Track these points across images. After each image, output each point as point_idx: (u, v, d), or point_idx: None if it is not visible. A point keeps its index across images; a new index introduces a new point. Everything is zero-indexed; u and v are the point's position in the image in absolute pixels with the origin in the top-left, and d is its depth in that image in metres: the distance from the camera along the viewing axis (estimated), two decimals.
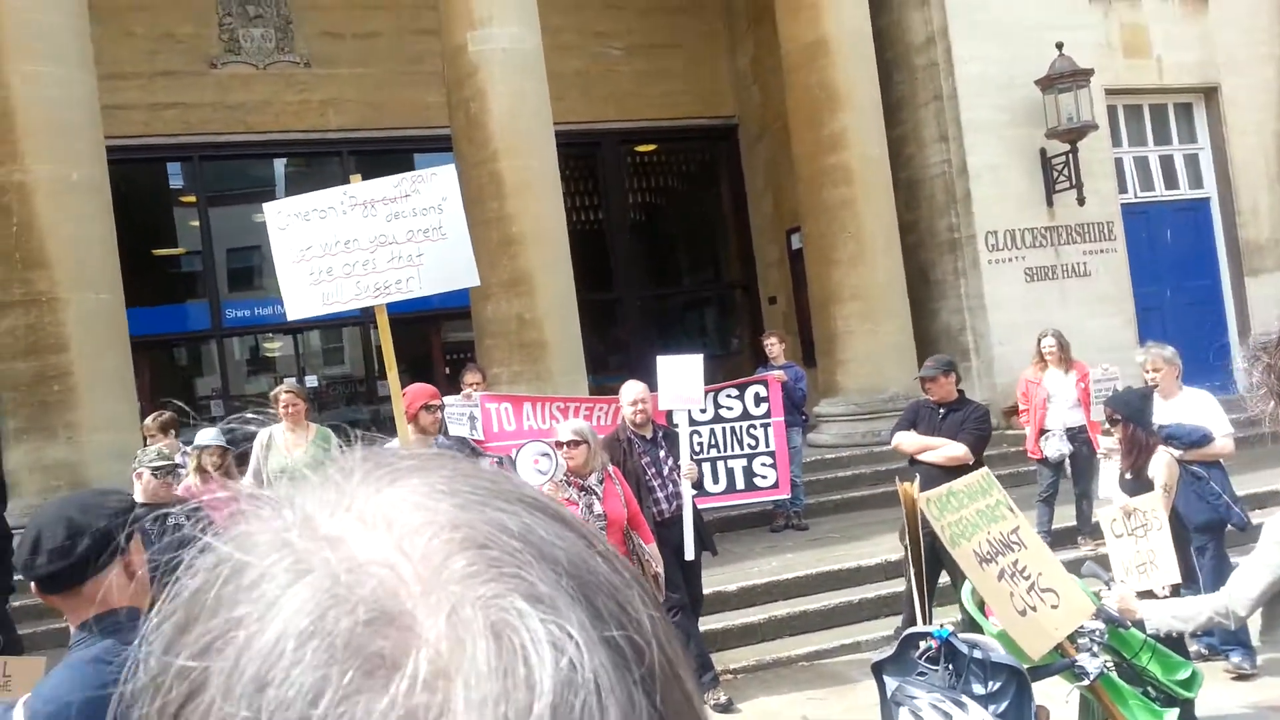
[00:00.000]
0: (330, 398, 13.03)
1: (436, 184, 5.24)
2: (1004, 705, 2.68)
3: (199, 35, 11.55)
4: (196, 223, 12.12)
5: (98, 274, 7.96)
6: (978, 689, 2.68)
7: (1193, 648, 5.29)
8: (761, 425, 7.79)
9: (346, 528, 0.39)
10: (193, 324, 12.22)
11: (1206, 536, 5.49)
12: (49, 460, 7.59)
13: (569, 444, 4.78)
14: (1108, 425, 5.29)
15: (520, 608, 0.36)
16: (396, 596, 0.36)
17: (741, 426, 7.77)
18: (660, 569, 4.90)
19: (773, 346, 8.66)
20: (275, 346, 13.02)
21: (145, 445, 6.47)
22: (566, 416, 7.05)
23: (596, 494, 4.73)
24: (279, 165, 12.81)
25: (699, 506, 5.83)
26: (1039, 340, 7.65)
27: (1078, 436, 7.32)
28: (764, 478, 7.81)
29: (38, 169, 7.70)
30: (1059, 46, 10.45)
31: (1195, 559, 5.42)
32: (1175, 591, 4.63)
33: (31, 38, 7.73)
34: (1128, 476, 5.03)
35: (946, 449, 5.74)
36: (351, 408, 12.92)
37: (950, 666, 2.70)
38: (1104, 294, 10.99)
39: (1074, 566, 4.62)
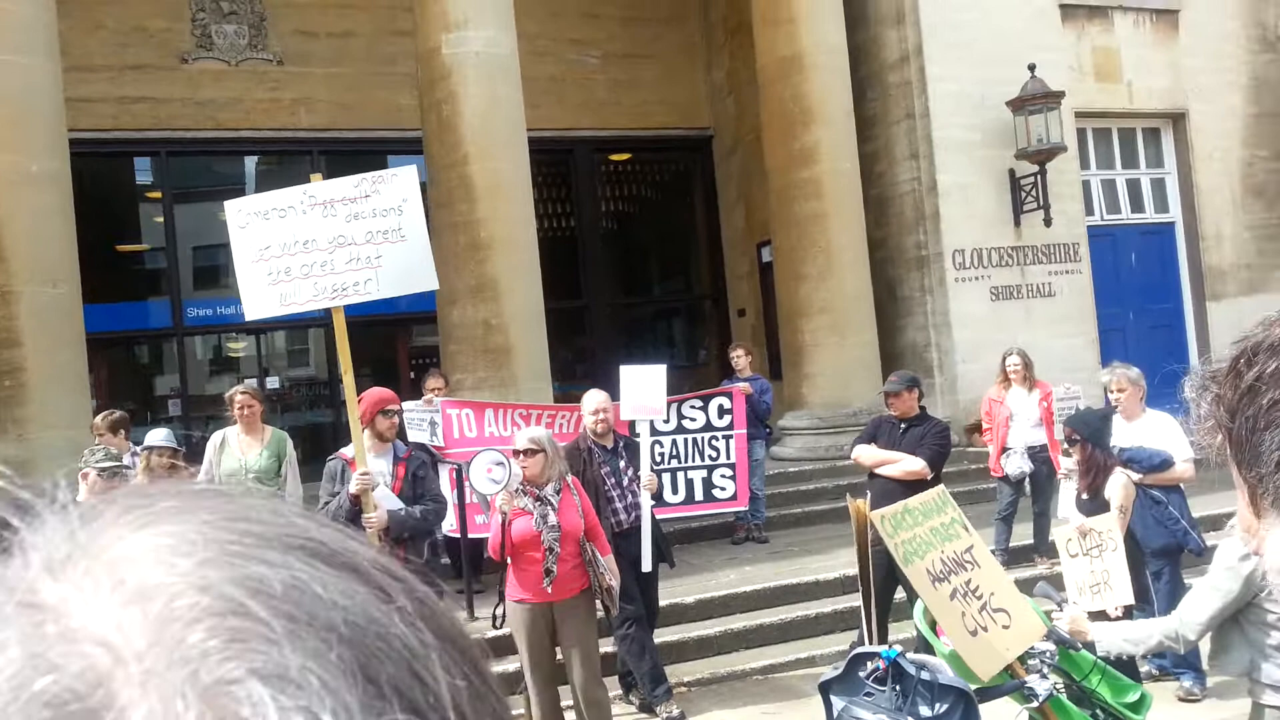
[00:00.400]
0: (294, 400, 12.88)
1: (397, 185, 5.18)
2: None
3: (170, 30, 11.41)
4: (161, 219, 11.95)
5: (55, 267, 7.80)
6: (925, 711, 2.65)
7: (1144, 668, 5.31)
8: (724, 437, 7.76)
9: (67, 589, 0.32)
10: (154, 321, 12.04)
11: (1163, 561, 5.50)
12: None
13: (525, 452, 4.71)
14: (1066, 445, 5.31)
15: (256, 695, 0.29)
16: (105, 684, 0.29)
17: (703, 438, 7.73)
18: (616, 582, 4.84)
19: (739, 359, 8.64)
20: (240, 347, 12.84)
21: (96, 444, 6.33)
22: (528, 424, 7.00)
23: (552, 504, 4.66)
24: (248, 163, 12.66)
25: (658, 517, 5.78)
26: (1004, 359, 7.68)
27: (1039, 455, 7.34)
28: (723, 489, 7.78)
29: None
30: (1031, 68, 10.54)
31: (1151, 582, 5.43)
32: (1128, 612, 4.64)
33: None
34: (1085, 497, 5.05)
35: (904, 463, 5.75)
36: (314, 411, 12.77)
37: (898, 687, 2.67)
38: (1067, 314, 11.09)
39: (1030, 585, 4.62)
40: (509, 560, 4.69)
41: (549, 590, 4.62)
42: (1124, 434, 5.67)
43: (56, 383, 7.67)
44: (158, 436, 6.01)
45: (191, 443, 10.10)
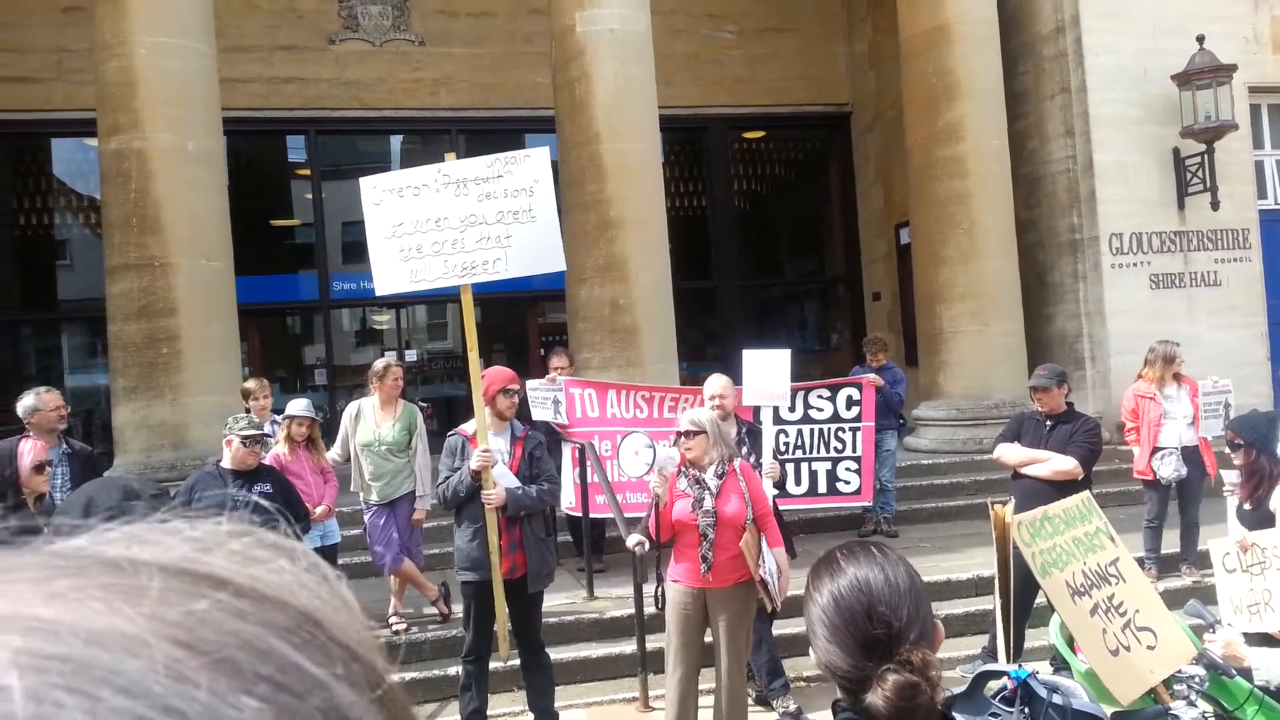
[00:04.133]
0: (432, 373, 13.24)
1: (529, 166, 5.20)
2: None
3: (319, 11, 11.80)
4: (310, 195, 12.41)
5: (209, 242, 8.20)
6: None
7: None
8: (850, 429, 7.51)
9: None
10: (303, 294, 12.54)
11: None
12: (154, 420, 7.87)
13: (686, 434, 4.56)
14: (1228, 450, 4.90)
15: None
16: None
17: (830, 429, 7.51)
18: (771, 578, 4.54)
19: (878, 357, 8.28)
20: (383, 320, 13.27)
21: (248, 404, 6.63)
22: (650, 405, 6.95)
23: (710, 489, 4.48)
24: (392, 142, 13.02)
25: (780, 508, 5.63)
26: (1161, 349, 7.12)
27: (1191, 457, 6.85)
28: (847, 483, 7.54)
29: (156, 137, 7.95)
30: (1200, 40, 9.81)
31: None
32: None
33: (158, 8, 7.97)
34: (1246, 507, 4.65)
35: (1054, 463, 5.43)
36: (451, 384, 13.07)
37: (1026, 710, 2.48)
38: (1234, 305, 10.31)
39: (1176, 597, 4.30)
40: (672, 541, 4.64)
41: (708, 578, 4.49)
42: None
43: (210, 351, 8.09)
44: (298, 406, 6.23)
45: (326, 417, 10.51)
